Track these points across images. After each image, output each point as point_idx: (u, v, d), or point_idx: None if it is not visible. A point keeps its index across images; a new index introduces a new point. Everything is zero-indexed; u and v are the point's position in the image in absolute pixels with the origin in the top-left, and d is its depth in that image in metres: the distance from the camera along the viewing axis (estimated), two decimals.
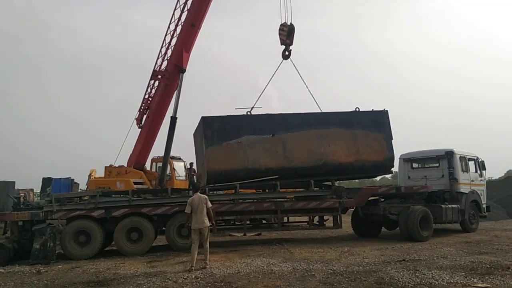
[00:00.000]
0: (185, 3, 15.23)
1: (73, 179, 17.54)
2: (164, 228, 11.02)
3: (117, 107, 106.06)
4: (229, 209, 11.28)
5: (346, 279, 6.94)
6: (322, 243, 11.60)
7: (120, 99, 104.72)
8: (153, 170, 17.48)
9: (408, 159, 14.60)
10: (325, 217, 12.73)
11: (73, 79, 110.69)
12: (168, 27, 15.77)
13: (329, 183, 12.50)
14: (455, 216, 12.88)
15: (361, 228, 13.34)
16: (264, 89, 14.37)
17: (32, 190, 23.76)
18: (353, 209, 13.15)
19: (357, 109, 12.79)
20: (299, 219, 13.16)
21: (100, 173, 16.55)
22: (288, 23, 13.90)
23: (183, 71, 15.53)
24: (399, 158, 14.52)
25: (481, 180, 14.68)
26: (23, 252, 10.09)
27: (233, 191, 11.58)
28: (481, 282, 6.56)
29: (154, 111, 16.17)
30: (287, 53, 14.10)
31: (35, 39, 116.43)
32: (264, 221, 13.88)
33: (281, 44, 14.12)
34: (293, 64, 14.08)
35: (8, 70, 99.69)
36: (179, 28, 15.52)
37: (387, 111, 12.97)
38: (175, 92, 15.79)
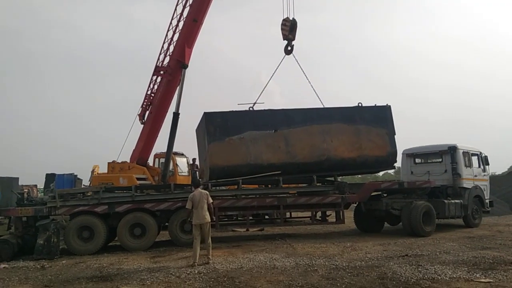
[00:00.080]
0: None
1: (76, 175, 17.55)
2: (167, 224, 11.08)
3: (118, 104, 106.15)
4: (232, 204, 11.32)
5: (349, 274, 6.95)
6: (324, 239, 11.62)
7: (121, 97, 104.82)
8: (156, 166, 17.51)
9: (411, 154, 14.57)
10: (328, 213, 12.75)
11: (74, 76, 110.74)
12: (170, 23, 15.72)
13: (332, 178, 12.48)
14: (458, 211, 12.86)
15: (363, 224, 13.34)
16: (266, 85, 14.37)
17: (35, 186, 23.81)
18: (355, 205, 13.15)
19: (360, 104, 12.75)
20: (302, 214, 13.18)
21: (103, 169, 16.61)
22: (291, 18, 13.86)
23: (186, 66, 15.50)
24: (402, 154, 14.48)
25: (484, 175, 14.63)
26: (27, 247, 10.17)
27: (236, 186, 11.59)
28: (484, 277, 6.55)
29: (156, 107, 16.15)
30: (289, 48, 14.06)
31: (35, 35, 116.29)
32: (266, 217, 13.86)
33: (284, 39, 14.08)
34: (296, 59, 14.08)
35: (6, 67, 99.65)
36: (181, 24, 15.48)
37: (389, 106, 12.93)
38: (178, 88, 15.76)
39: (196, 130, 13.43)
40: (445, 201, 12.60)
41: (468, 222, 13.56)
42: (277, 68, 14.10)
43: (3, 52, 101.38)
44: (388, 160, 12.76)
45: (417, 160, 14.62)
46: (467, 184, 13.49)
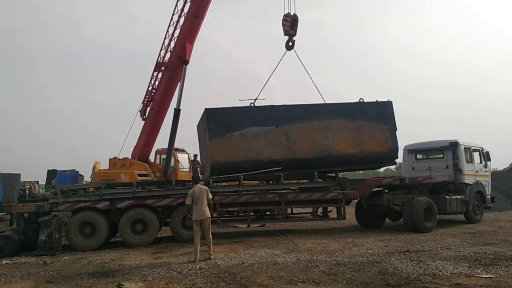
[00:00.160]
0: None
1: (77, 171, 17.60)
2: (168, 220, 11.09)
3: (119, 103, 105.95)
4: (233, 200, 11.31)
5: (350, 270, 6.96)
6: (325, 234, 11.63)
7: (121, 95, 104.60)
8: (157, 162, 17.55)
9: (412, 150, 14.54)
10: (329, 208, 12.75)
11: (74, 75, 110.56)
12: (171, 19, 15.70)
13: (333, 174, 12.47)
14: (459, 207, 12.85)
15: (365, 219, 13.35)
16: (268, 81, 14.28)
17: (37, 182, 23.84)
18: (357, 200, 13.15)
19: (361, 100, 12.70)
20: (303, 210, 13.17)
21: (104, 165, 16.64)
22: (292, 14, 13.80)
23: (187, 62, 15.49)
24: (404, 149, 14.47)
25: (485, 171, 14.60)
26: (29, 243, 10.19)
27: (237, 182, 11.59)
28: (485, 273, 6.55)
29: (157, 103, 16.15)
30: (290, 43, 14.01)
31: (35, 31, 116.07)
32: (268, 213, 13.93)
33: (285, 35, 14.02)
34: (297, 55, 14.03)
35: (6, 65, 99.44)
36: (182, 20, 15.44)
37: (391, 102, 12.87)
38: (179, 84, 15.76)
39: (197, 126, 13.42)
40: (447, 197, 12.59)
41: (470, 218, 13.55)
42: (278, 64, 14.06)
43: (4, 49, 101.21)
44: (390, 156, 12.73)
45: (419, 156, 14.60)
46: (468, 180, 13.48)
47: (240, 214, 12.52)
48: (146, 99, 16.56)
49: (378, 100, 12.85)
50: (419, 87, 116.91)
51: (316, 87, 13.62)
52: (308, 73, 13.93)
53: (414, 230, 11.53)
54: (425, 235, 10.90)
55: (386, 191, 12.95)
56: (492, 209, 15.99)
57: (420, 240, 10.11)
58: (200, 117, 12.67)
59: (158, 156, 17.81)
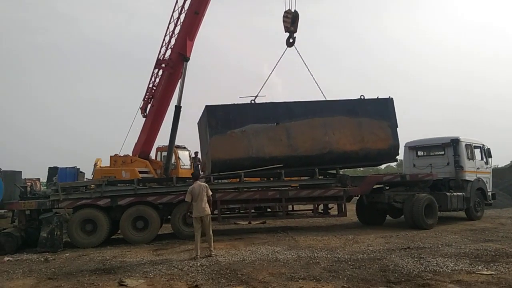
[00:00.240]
0: None
1: (78, 168, 17.60)
2: (169, 217, 11.11)
3: (119, 102, 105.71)
4: (234, 197, 11.32)
5: (351, 267, 6.97)
6: (326, 231, 11.65)
7: (122, 94, 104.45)
8: (158, 159, 17.55)
9: (413, 147, 14.54)
10: (330, 205, 12.75)
11: (74, 73, 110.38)
12: (172, 15, 15.66)
13: (334, 171, 12.47)
14: (460, 204, 12.86)
15: (365, 216, 13.36)
16: (268, 78, 14.30)
17: (38, 179, 23.89)
18: (357, 197, 13.15)
19: (362, 97, 12.69)
20: (304, 207, 13.17)
21: (105, 162, 16.65)
22: (292, 10, 13.77)
23: (187, 59, 15.44)
24: (404, 146, 14.46)
25: (487, 167, 14.59)
26: (31, 240, 10.23)
27: (238, 179, 11.60)
28: (486, 269, 6.56)
29: (158, 100, 16.13)
30: (291, 40, 14.00)
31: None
32: (268, 210, 13.90)
33: (285, 32, 14.01)
34: (298, 51, 14.01)
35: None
36: (182, 16, 15.40)
37: (392, 98, 12.84)
38: (179, 81, 15.73)
39: (198, 123, 13.41)
40: (447, 193, 12.59)
41: (470, 214, 13.56)
42: (279, 61, 14.05)
43: (8, 45, 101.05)
44: (391, 153, 12.72)
45: (420, 153, 14.59)
46: (469, 176, 13.47)
47: (241, 211, 12.52)
48: (146, 96, 16.54)
49: (379, 97, 12.83)
50: (419, 87, 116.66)
51: (317, 83, 13.65)
52: (309, 70, 13.96)
53: (415, 227, 11.54)
54: (426, 232, 10.91)
55: (387, 188, 12.95)
56: (493, 206, 15.99)
57: (421, 237, 10.11)
58: (201, 114, 12.67)
59: (159, 153, 17.82)
